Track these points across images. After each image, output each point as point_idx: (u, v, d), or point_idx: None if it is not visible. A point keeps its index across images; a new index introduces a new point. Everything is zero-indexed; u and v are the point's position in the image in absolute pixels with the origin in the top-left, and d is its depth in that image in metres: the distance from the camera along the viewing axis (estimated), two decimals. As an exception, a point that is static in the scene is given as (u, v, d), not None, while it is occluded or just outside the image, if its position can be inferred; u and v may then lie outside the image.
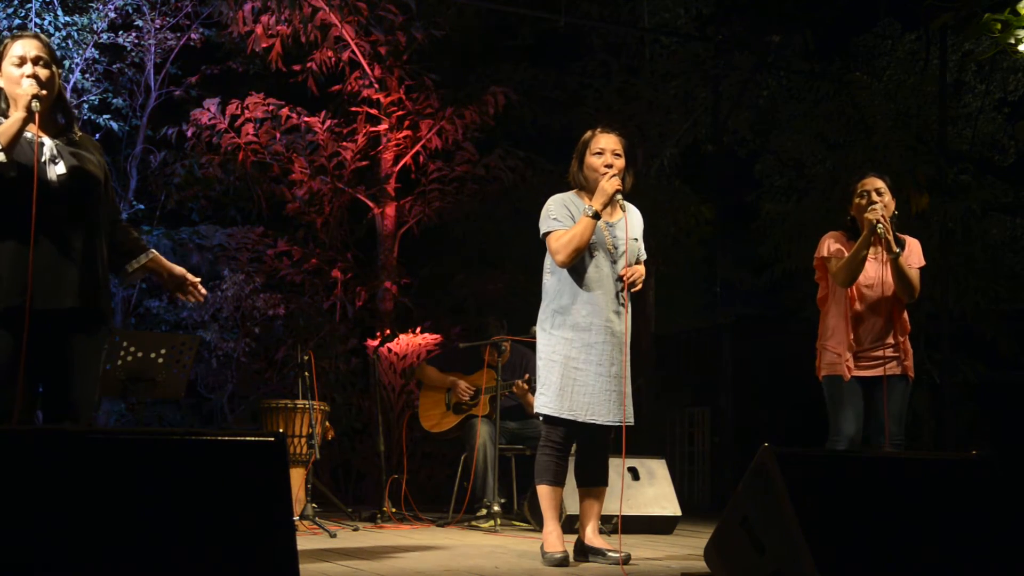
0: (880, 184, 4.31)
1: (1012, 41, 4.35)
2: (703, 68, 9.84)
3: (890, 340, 4.23)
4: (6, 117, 3.24)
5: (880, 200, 4.26)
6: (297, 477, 5.57)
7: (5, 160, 3.11)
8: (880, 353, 4.23)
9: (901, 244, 4.31)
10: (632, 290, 3.94)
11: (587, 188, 3.99)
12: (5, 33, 8.17)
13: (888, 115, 9.36)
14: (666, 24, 10.58)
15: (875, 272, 4.26)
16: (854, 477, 2.93)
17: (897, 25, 10.83)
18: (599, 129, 4.03)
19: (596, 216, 3.85)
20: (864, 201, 4.28)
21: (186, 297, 3.59)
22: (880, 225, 4.14)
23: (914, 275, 4.27)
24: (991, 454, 3.08)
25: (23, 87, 3.18)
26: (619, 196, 3.90)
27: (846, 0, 9.66)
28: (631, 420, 3.94)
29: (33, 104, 3.16)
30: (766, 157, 10.83)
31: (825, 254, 4.35)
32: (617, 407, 3.89)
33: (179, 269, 3.57)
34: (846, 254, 4.27)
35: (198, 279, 3.58)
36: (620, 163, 3.95)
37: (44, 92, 3.19)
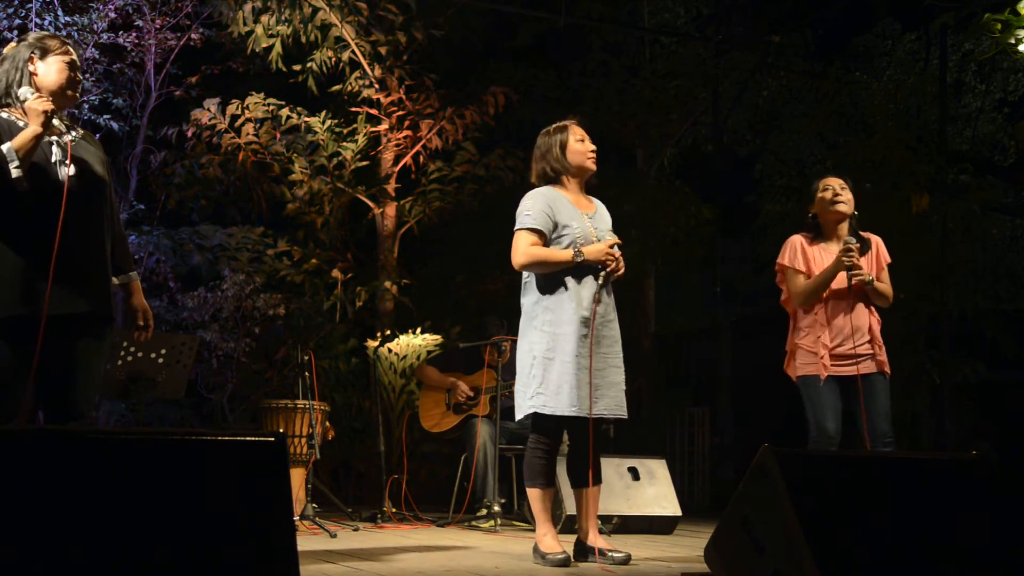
0: (843, 182, 4.34)
1: (1012, 41, 4.35)
2: (703, 68, 9.84)
3: (864, 337, 4.23)
4: (18, 101, 3.27)
5: (843, 195, 4.29)
6: (297, 477, 5.57)
7: (21, 175, 3.13)
8: (857, 351, 4.22)
9: (867, 245, 4.32)
10: (615, 276, 3.94)
11: (571, 174, 4.05)
12: (7, 34, 8.17)
13: (888, 115, 9.36)
14: (666, 24, 10.59)
15: (845, 277, 4.26)
16: (854, 477, 2.93)
17: (897, 25, 10.84)
18: (569, 120, 4.12)
19: (580, 262, 3.88)
20: (829, 195, 4.30)
21: (131, 332, 3.59)
22: (856, 278, 4.14)
23: (886, 287, 4.28)
24: (991, 454, 3.08)
25: (37, 103, 3.20)
26: (600, 279, 3.92)
27: (846, 0, 9.66)
28: (624, 413, 3.96)
29: (55, 123, 3.26)
30: (766, 157, 10.83)
31: (786, 263, 4.35)
32: (612, 399, 3.91)
33: (143, 305, 3.56)
34: (805, 265, 4.28)
35: (148, 327, 3.56)
36: (596, 149, 4.10)
37: (52, 106, 3.23)
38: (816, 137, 10.17)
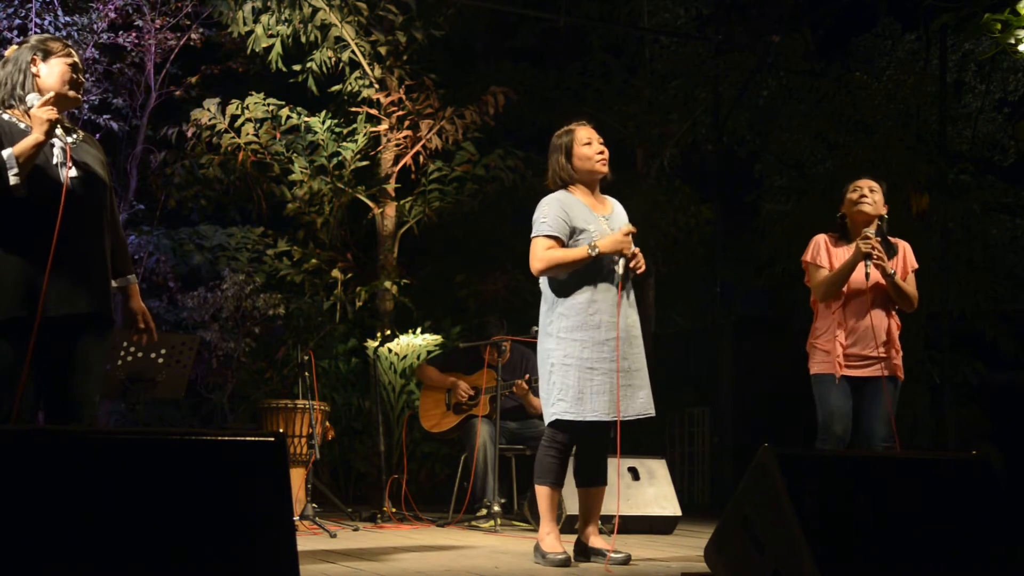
0: (874, 184, 4.33)
1: (1012, 41, 4.35)
2: (703, 68, 9.84)
3: (881, 340, 4.24)
4: (22, 105, 3.28)
5: (871, 197, 4.28)
6: (297, 477, 5.57)
7: (19, 182, 3.13)
8: (871, 353, 4.22)
9: (894, 249, 4.32)
10: (637, 271, 3.92)
11: (578, 179, 4.01)
12: (6, 34, 8.17)
13: (888, 115, 9.35)
14: (666, 24, 10.58)
15: (863, 274, 4.26)
16: (854, 477, 2.93)
17: (897, 25, 10.84)
18: (576, 124, 4.07)
19: (597, 256, 3.84)
20: (856, 196, 4.30)
21: (131, 334, 3.59)
22: (874, 257, 4.14)
23: (910, 288, 4.28)
24: (992, 454, 3.08)
25: (43, 111, 3.20)
26: (619, 267, 3.90)
27: (846, 0, 9.66)
28: (652, 411, 3.94)
29: (58, 133, 3.25)
30: (766, 157, 10.83)
31: (808, 259, 4.37)
32: (640, 401, 3.90)
33: (142, 307, 3.57)
34: (828, 262, 4.29)
35: (150, 329, 3.56)
36: (606, 151, 4.02)
37: (57, 115, 3.24)
38: (816, 137, 10.16)
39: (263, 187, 8.82)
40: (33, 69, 3.33)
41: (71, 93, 3.34)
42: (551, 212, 3.92)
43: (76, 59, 3.40)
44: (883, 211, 4.32)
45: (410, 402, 7.84)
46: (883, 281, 4.21)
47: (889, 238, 4.34)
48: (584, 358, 3.84)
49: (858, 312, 4.24)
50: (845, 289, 4.26)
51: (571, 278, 3.89)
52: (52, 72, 3.33)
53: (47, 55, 3.35)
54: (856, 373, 4.22)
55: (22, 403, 3.15)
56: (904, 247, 4.39)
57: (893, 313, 4.31)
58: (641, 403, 3.91)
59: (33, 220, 3.17)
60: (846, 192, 4.37)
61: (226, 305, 8.16)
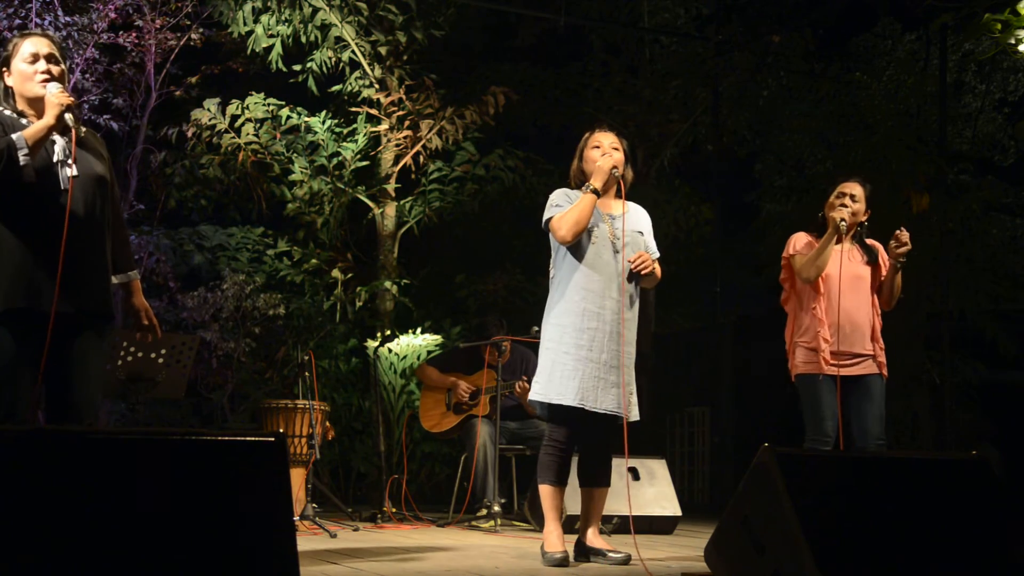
0: (857, 191, 4.33)
1: (1012, 41, 4.35)
2: (703, 68, 9.84)
3: (865, 338, 4.23)
4: (17, 114, 3.26)
5: (851, 206, 4.28)
6: (297, 477, 5.57)
7: (30, 161, 3.12)
8: (856, 351, 4.22)
9: (873, 252, 4.33)
10: (643, 272, 3.91)
11: (587, 181, 4.02)
12: (6, 34, 8.17)
13: (888, 115, 9.35)
14: (666, 24, 10.57)
15: (845, 271, 4.26)
16: (854, 477, 2.93)
17: (897, 25, 10.83)
18: (597, 128, 4.12)
19: (596, 193, 3.89)
20: (836, 201, 4.31)
21: (134, 332, 3.57)
22: (844, 223, 4.18)
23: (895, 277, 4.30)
24: (992, 454, 3.09)
25: (51, 92, 3.18)
26: (616, 172, 3.96)
27: (846, 0, 9.65)
28: (634, 415, 3.92)
29: (67, 118, 3.18)
30: (766, 157, 10.83)
31: (791, 251, 4.36)
32: (611, 397, 3.86)
33: (144, 304, 3.54)
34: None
35: (153, 326, 3.54)
36: (619, 156, 4.02)
37: (73, 100, 3.20)
38: (816, 137, 10.16)
39: (263, 187, 8.82)
40: (8, 82, 3.29)
41: (66, 101, 3.18)
42: (558, 198, 4.01)
43: (38, 49, 3.25)
44: (863, 217, 4.34)
45: (410, 402, 7.83)
46: (860, 256, 4.24)
47: (867, 240, 4.35)
48: (561, 342, 3.87)
49: (840, 311, 4.22)
50: (825, 289, 4.25)
51: (570, 269, 3.92)
52: (17, 76, 3.26)
53: (7, 61, 3.28)
54: (843, 372, 4.20)
55: (21, 403, 3.14)
56: (881, 249, 4.39)
57: (876, 309, 4.31)
58: (613, 400, 3.86)
59: (32, 216, 3.16)
60: (831, 192, 4.38)
61: (226, 305, 8.16)
